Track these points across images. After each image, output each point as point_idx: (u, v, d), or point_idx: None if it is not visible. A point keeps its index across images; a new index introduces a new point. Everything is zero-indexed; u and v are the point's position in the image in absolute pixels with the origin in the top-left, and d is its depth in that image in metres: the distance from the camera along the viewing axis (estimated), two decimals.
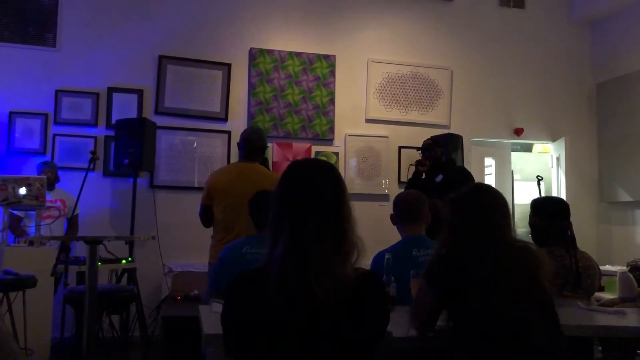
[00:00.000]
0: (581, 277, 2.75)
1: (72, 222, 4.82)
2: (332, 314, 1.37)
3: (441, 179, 4.62)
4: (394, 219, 2.95)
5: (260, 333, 1.38)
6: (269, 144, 5.76)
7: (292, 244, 1.41)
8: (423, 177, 4.83)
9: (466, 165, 5.85)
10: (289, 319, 1.36)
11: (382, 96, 6.16)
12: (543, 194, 5.56)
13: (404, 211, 2.91)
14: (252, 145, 3.66)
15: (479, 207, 2.05)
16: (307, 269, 1.37)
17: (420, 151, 4.92)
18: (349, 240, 1.45)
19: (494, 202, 2.08)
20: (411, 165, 4.98)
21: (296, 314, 1.36)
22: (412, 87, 6.23)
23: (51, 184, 4.84)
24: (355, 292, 1.40)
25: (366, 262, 1.99)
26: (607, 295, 3.94)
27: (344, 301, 1.37)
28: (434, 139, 5.05)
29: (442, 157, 4.82)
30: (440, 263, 1.99)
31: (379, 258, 2.71)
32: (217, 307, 2.31)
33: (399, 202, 2.98)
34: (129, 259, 4.74)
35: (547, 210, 3.00)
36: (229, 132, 5.68)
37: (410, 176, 5.06)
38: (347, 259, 1.43)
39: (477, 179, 5.89)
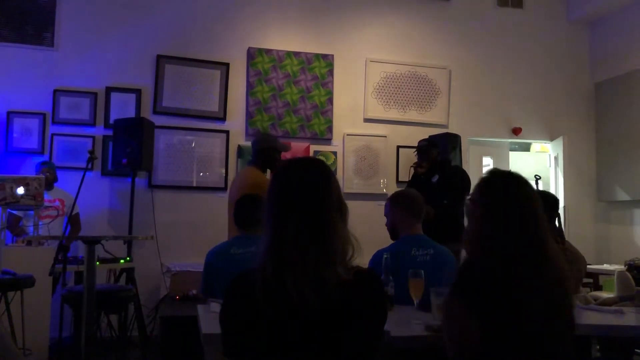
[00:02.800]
0: (571, 264, 2.85)
1: (74, 220, 4.82)
2: (319, 315, 1.34)
3: (437, 179, 4.64)
4: (395, 214, 2.85)
5: (255, 334, 1.37)
6: None
7: (271, 244, 1.40)
8: (422, 177, 4.84)
9: (464, 165, 5.86)
10: (276, 320, 1.35)
11: (381, 96, 6.16)
12: None
13: (412, 208, 2.83)
14: (252, 149, 4.03)
15: (516, 207, 1.73)
16: (283, 270, 1.35)
17: (416, 153, 4.94)
18: (339, 239, 1.40)
19: (532, 196, 1.76)
20: (411, 167, 4.98)
21: (282, 314, 1.34)
22: (411, 86, 6.23)
23: (50, 184, 4.83)
24: (352, 291, 1.38)
25: (364, 262, 1.99)
26: (605, 294, 3.95)
27: (336, 301, 1.35)
28: (429, 140, 5.07)
29: (437, 157, 4.84)
30: (472, 274, 1.68)
31: (377, 257, 2.69)
32: (216, 306, 2.31)
33: (405, 199, 2.88)
34: (128, 258, 4.73)
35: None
36: (227, 132, 5.68)
37: (409, 178, 5.08)
38: (337, 258, 1.39)
39: (474, 179, 5.90)
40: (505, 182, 1.80)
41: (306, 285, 1.33)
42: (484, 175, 1.84)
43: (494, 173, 1.86)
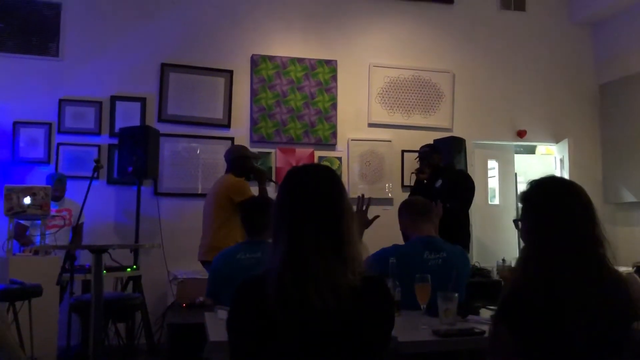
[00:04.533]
0: None
1: (77, 230, 4.84)
2: (334, 321, 1.35)
3: (440, 184, 4.64)
4: (404, 222, 2.90)
5: (263, 340, 1.37)
6: (272, 150, 5.78)
7: (290, 251, 1.40)
8: (425, 182, 4.84)
9: (469, 168, 5.85)
10: (289, 327, 1.35)
11: (385, 100, 6.16)
12: None
13: (416, 207, 2.88)
14: (226, 160, 4.34)
15: (555, 222, 1.53)
16: (305, 278, 1.35)
17: (417, 159, 4.94)
18: (351, 246, 1.42)
19: (581, 202, 1.58)
20: (412, 173, 4.99)
21: (296, 322, 1.35)
22: (414, 90, 6.23)
23: (59, 197, 4.89)
24: (360, 298, 1.38)
25: None
26: None
27: (348, 307, 1.36)
28: (431, 146, 5.06)
29: (440, 162, 4.82)
30: (516, 299, 1.53)
31: (380, 257, 2.63)
32: (223, 314, 2.31)
33: (408, 202, 2.98)
34: (134, 266, 4.75)
35: None
36: (232, 139, 5.70)
37: (412, 184, 5.09)
38: (350, 265, 1.40)
39: (480, 182, 5.91)
40: (541, 193, 1.63)
41: (327, 292, 1.34)
42: (522, 190, 1.68)
43: (531, 186, 1.66)
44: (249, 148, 4.71)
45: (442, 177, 4.69)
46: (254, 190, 4.22)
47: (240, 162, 4.24)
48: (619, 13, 6.42)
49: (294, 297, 1.35)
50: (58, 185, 4.87)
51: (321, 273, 1.36)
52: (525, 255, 1.60)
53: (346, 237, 1.42)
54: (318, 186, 1.47)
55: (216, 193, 4.15)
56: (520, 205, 1.68)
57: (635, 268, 5.02)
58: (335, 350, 1.36)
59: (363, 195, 2.85)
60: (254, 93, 5.81)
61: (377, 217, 2.79)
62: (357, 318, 1.38)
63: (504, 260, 5.35)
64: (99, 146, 5.44)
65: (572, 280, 1.49)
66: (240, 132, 5.75)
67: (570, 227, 1.55)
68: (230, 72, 5.77)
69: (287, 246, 1.41)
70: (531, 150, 7.43)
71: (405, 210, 2.91)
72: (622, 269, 5.04)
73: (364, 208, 2.79)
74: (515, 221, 1.70)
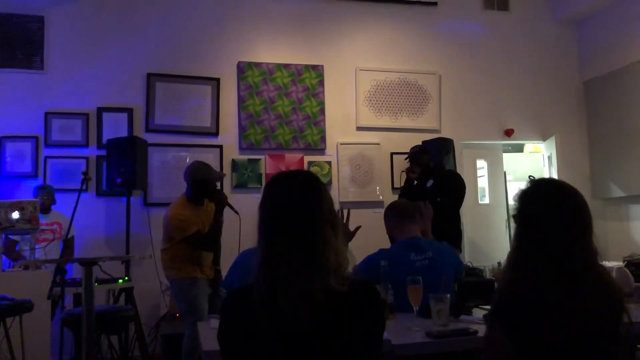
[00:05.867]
0: None
1: (68, 244, 4.81)
2: (320, 328, 1.34)
3: (432, 183, 4.69)
4: (390, 225, 2.93)
5: (251, 350, 1.36)
6: (261, 156, 5.78)
7: (264, 259, 1.40)
8: (415, 183, 4.88)
9: (458, 168, 5.87)
10: (275, 336, 1.34)
11: (372, 103, 6.18)
12: None
13: (401, 211, 2.90)
14: (185, 179, 3.96)
15: (545, 225, 1.55)
16: (275, 284, 1.35)
17: (408, 160, 4.99)
18: (331, 251, 1.40)
19: (576, 209, 1.58)
20: (403, 171, 5.02)
21: (277, 329, 1.34)
22: (401, 93, 6.25)
23: (47, 208, 4.84)
24: (348, 302, 1.38)
25: None
26: None
27: (334, 313, 1.35)
28: (420, 147, 5.12)
29: (429, 163, 4.88)
30: (508, 299, 1.55)
31: (368, 262, 2.67)
32: (216, 323, 2.30)
33: (392, 206, 3.00)
34: (126, 278, 4.72)
35: None
36: (220, 147, 5.69)
37: (402, 184, 5.12)
38: (329, 270, 1.38)
39: (469, 182, 5.93)
40: (535, 196, 1.64)
41: (298, 298, 1.33)
42: (518, 190, 1.68)
43: (527, 186, 1.68)
44: (212, 166, 4.17)
45: (433, 177, 4.74)
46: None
47: (201, 185, 3.87)
48: (600, 10, 6.49)
49: (269, 305, 1.34)
50: (42, 193, 4.82)
51: (290, 279, 1.35)
52: (515, 257, 1.61)
53: (320, 243, 1.40)
54: (292, 192, 1.46)
55: (164, 217, 3.91)
56: (514, 204, 1.69)
57: (625, 262, 5.06)
58: (321, 356, 1.35)
59: (342, 209, 2.87)
60: (241, 100, 5.81)
61: (359, 227, 2.82)
62: (344, 323, 1.37)
63: (499, 263, 5.37)
64: (87, 158, 5.41)
65: (559, 287, 1.51)
66: (229, 139, 5.74)
67: (558, 233, 1.55)
68: (217, 80, 5.77)
69: (262, 253, 1.41)
70: (519, 149, 7.46)
71: (390, 214, 2.93)
72: (613, 263, 5.08)
73: (345, 220, 2.81)
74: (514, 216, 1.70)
